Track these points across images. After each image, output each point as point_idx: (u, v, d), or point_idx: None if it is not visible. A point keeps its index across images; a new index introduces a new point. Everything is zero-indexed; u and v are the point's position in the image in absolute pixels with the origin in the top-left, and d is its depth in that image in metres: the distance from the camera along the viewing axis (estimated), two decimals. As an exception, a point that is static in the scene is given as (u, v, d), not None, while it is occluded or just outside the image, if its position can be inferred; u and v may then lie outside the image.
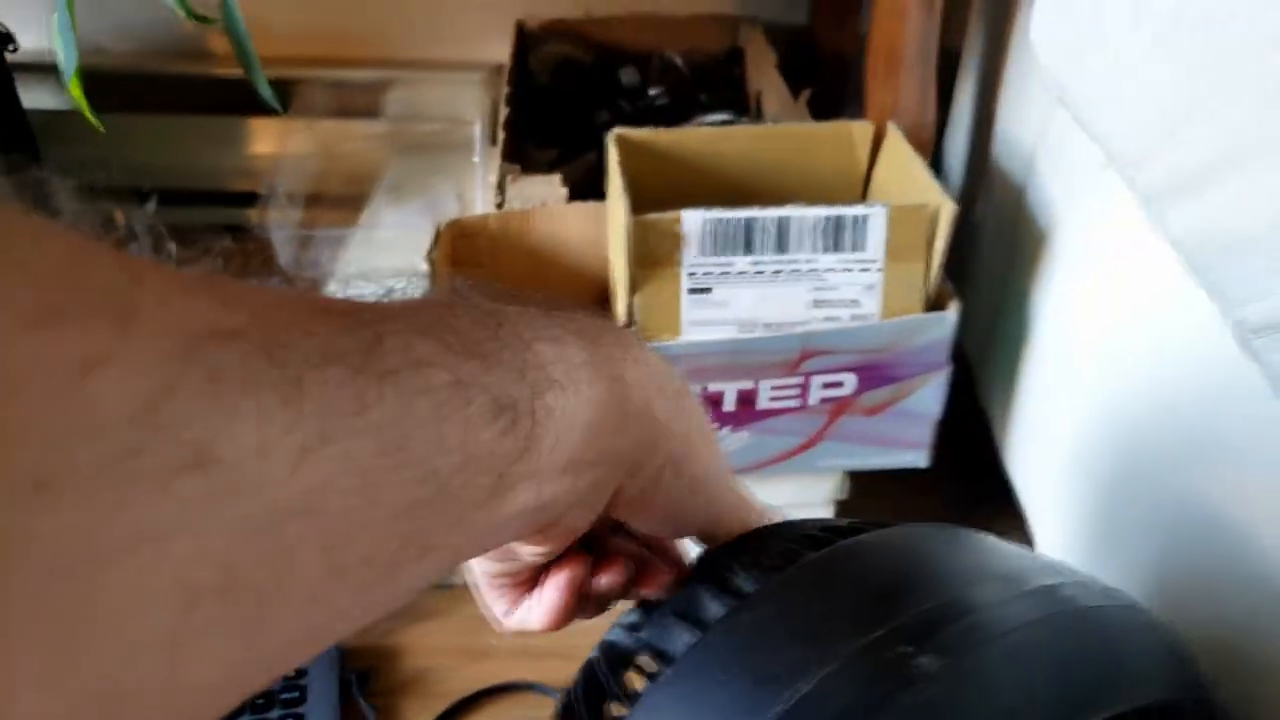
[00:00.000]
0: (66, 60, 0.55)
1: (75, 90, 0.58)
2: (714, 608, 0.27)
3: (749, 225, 0.54)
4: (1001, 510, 0.68)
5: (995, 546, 0.29)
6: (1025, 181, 0.62)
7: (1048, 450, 0.58)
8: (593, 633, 0.33)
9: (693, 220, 0.54)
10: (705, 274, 0.55)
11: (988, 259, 0.67)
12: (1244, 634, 0.37)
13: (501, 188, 0.69)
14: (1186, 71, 0.35)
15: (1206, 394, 0.42)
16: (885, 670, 0.22)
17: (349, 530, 0.17)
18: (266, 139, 1.02)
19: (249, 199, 1.02)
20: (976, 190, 0.71)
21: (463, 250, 0.66)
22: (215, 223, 1.04)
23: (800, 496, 0.64)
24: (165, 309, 0.15)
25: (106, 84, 1.08)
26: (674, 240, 0.54)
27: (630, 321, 0.56)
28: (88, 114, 0.61)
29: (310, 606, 0.17)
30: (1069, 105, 0.49)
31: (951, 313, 0.55)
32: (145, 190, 1.05)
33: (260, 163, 1.02)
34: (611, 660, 0.30)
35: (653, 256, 0.54)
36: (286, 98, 0.97)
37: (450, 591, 0.69)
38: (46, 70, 1.06)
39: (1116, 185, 0.47)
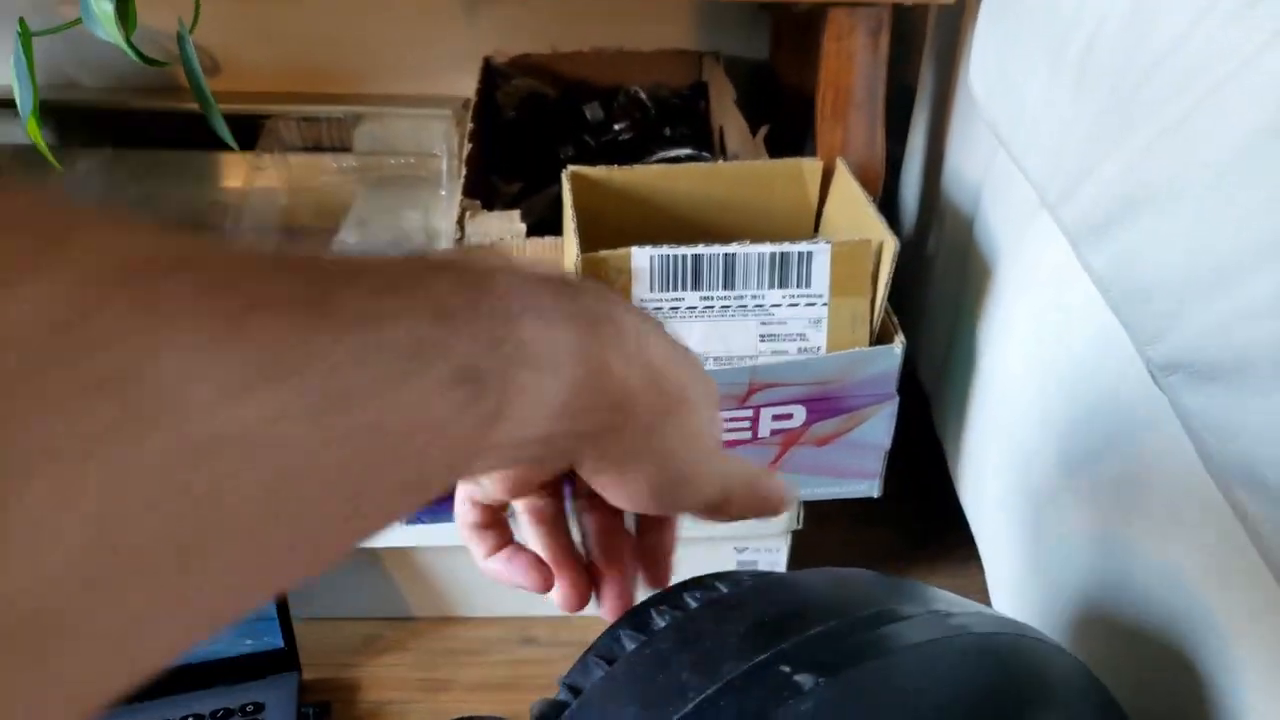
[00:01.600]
0: (23, 102, 0.55)
1: (33, 130, 0.59)
2: (628, 645, 0.28)
3: (697, 261, 0.55)
4: (956, 538, 0.69)
5: (898, 583, 0.30)
6: (973, 216, 0.63)
7: (995, 478, 0.59)
8: (553, 665, 0.34)
9: (642, 256, 0.55)
10: (655, 309, 0.56)
11: (940, 291, 0.69)
12: (1157, 661, 0.38)
13: (461, 223, 0.70)
14: (1096, 117, 0.36)
15: (1137, 424, 0.43)
16: (765, 689, 0.23)
17: (283, 475, 0.16)
18: (236, 173, 1.02)
19: (218, 233, 1.03)
20: (930, 224, 0.72)
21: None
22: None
23: (755, 528, 0.65)
24: (98, 234, 0.14)
25: (78, 119, 1.09)
26: (624, 276, 0.55)
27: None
28: (45, 153, 0.61)
29: (241, 551, 0.16)
30: (1003, 144, 0.50)
31: (897, 346, 0.56)
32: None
33: (230, 196, 1.03)
34: (542, 705, 0.31)
35: (603, 292, 0.55)
36: (255, 132, 0.98)
37: (410, 624, 0.69)
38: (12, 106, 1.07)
39: (1050, 222, 0.49)
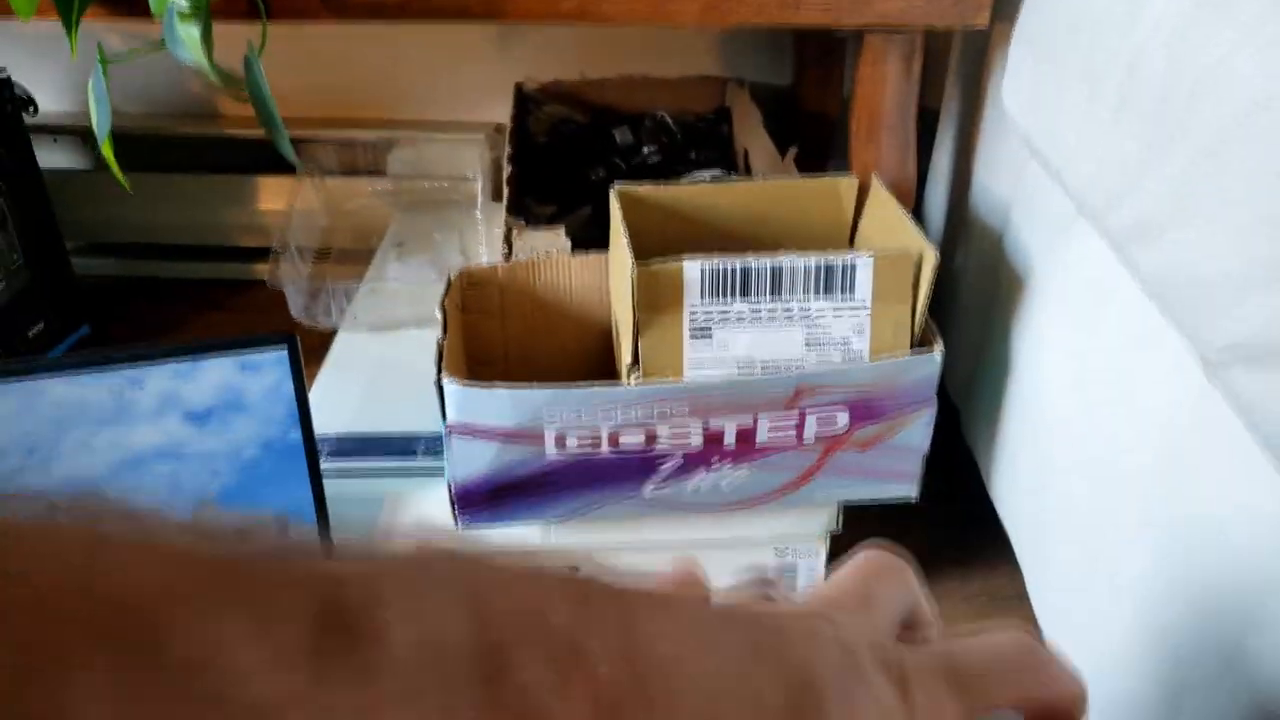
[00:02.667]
0: (100, 125, 0.58)
1: (107, 152, 0.62)
2: None
3: (745, 272, 0.58)
4: (987, 542, 0.72)
5: None
6: (1002, 230, 0.66)
7: (1030, 482, 0.62)
8: None
9: (693, 268, 0.58)
10: (705, 317, 0.59)
11: (968, 303, 0.71)
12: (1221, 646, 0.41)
13: (509, 240, 0.73)
14: (1140, 134, 0.39)
15: (1172, 424, 0.45)
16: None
17: None
18: (275, 197, 1.06)
19: (258, 254, 1.06)
20: (957, 239, 0.75)
21: (473, 298, 0.70)
22: (226, 277, 1.08)
23: (796, 528, 0.67)
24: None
25: (118, 144, 1.13)
26: (676, 287, 0.58)
27: (635, 362, 0.59)
28: (118, 175, 0.64)
29: None
30: (1040, 160, 0.53)
31: (937, 352, 0.59)
32: (157, 246, 1.09)
33: (268, 219, 1.06)
34: None
35: (656, 302, 0.58)
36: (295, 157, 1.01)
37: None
38: (62, 132, 1.10)
39: (1086, 233, 0.52)
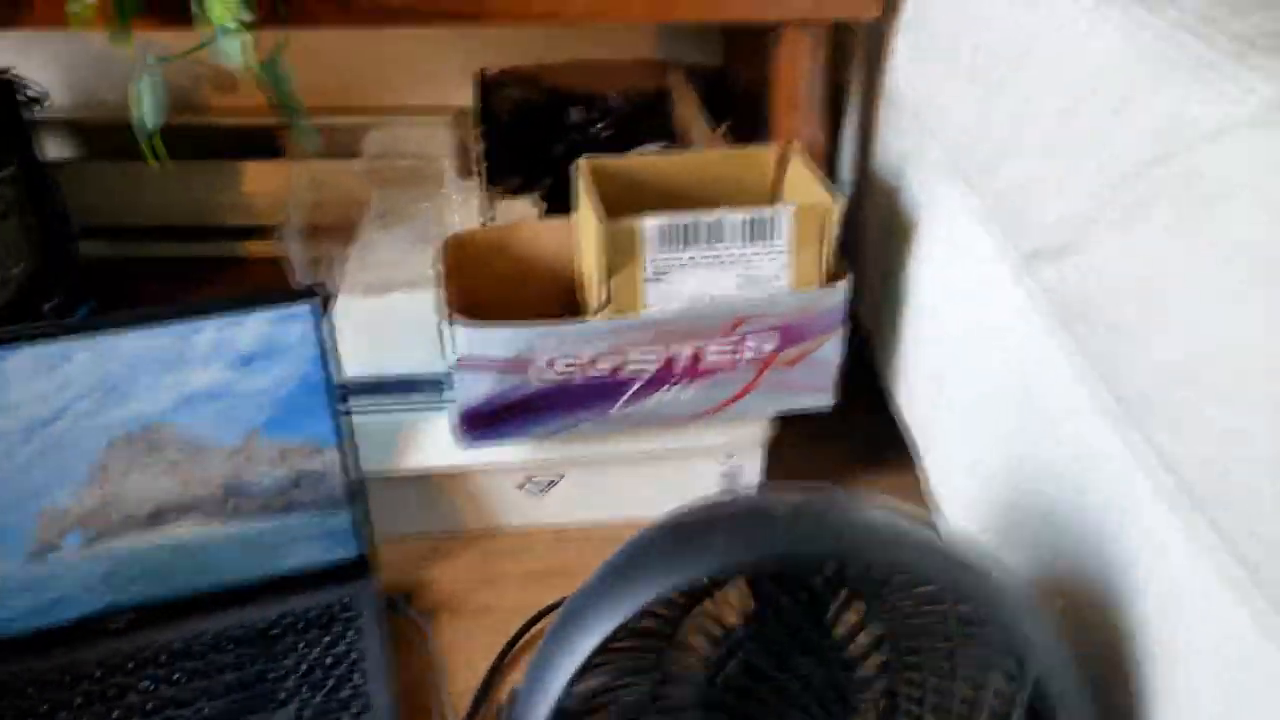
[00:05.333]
0: (152, 119, 0.69)
1: (157, 144, 0.73)
2: None
3: (691, 227, 0.72)
4: (895, 450, 0.87)
5: None
6: (897, 185, 0.81)
7: (923, 391, 0.77)
8: (584, 556, 0.48)
9: (650, 224, 0.71)
10: (662, 263, 0.73)
11: (873, 246, 0.87)
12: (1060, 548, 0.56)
13: (492, 205, 0.86)
14: (981, 94, 0.54)
15: (1013, 341, 0.60)
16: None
17: None
18: (260, 179, 1.17)
19: (247, 233, 1.17)
20: (863, 192, 0.90)
21: (458, 259, 0.83)
22: (219, 255, 1.18)
23: (740, 437, 0.82)
24: None
25: (109, 134, 1.22)
26: (637, 240, 0.72)
27: (606, 302, 0.73)
28: (166, 162, 0.75)
29: None
30: (921, 122, 0.68)
31: (843, 284, 0.74)
32: (154, 228, 1.19)
33: (256, 200, 1.17)
34: None
35: (621, 253, 0.72)
36: (270, 141, 1.13)
37: (461, 536, 0.85)
38: (64, 124, 1.20)
39: (956, 181, 0.67)
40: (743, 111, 1.16)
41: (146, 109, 0.69)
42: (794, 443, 0.86)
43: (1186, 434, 0.36)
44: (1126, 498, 0.45)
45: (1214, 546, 0.36)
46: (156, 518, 0.72)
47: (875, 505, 0.42)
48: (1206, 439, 0.35)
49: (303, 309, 0.72)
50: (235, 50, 0.63)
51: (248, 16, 0.62)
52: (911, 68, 0.72)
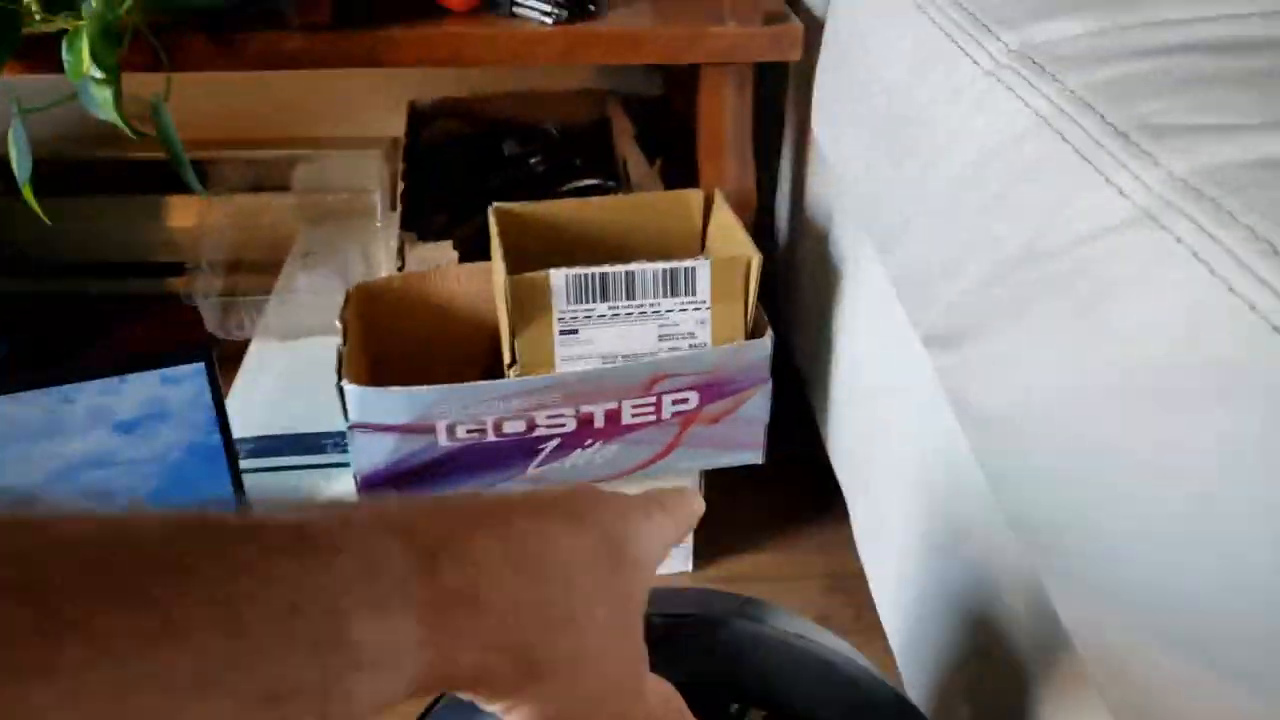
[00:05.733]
0: (21, 170, 0.65)
1: (28, 194, 0.68)
2: None
3: (604, 278, 0.68)
4: (831, 499, 0.83)
5: None
6: (827, 230, 0.77)
7: (850, 437, 0.74)
8: None
9: (559, 276, 0.67)
10: (572, 318, 0.69)
11: (808, 291, 0.83)
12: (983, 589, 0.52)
13: (401, 253, 0.82)
14: (884, 158, 0.50)
15: (930, 405, 0.57)
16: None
17: None
18: (184, 214, 1.12)
19: (174, 269, 1.12)
20: (797, 236, 0.86)
21: (370, 309, 0.78)
22: (143, 292, 1.14)
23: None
24: None
25: (34, 170, 1.17)
26: (545, 293, 0.67)
27: (514, 360, 0.69)
28: (39, 212, 0.71)
29: None
30: (833, 173, 0.64)
31: (767, 339, 0.70)
32: (77, 264, 1.14)
33: (179, 235, 1.12)
34: None
35: (529, 307, 0.68)
36: (204, 175, 1.08)
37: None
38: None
39: (873, 258, 0.63)
40: (685, 142, 1.13)
41: (15, 159, 0.65)
42: (729, 489, 0.82)
43: (1067, 548, 0.32)
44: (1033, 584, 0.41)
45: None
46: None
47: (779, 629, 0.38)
48: (1085, 555, 0.31)
49: (191, 369, 0.68)
50: (105, 99, 0.59)
51: (111, 63, 0.57)
52: (827, 120, 0.68)
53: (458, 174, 1.07)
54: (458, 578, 0.23)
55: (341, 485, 0.76)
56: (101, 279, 1.16)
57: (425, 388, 0.65)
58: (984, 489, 0.47)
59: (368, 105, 1.15)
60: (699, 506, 0.32)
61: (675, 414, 0.72)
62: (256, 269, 1.05)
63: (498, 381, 0.68)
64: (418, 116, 1.09)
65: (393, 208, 1.06)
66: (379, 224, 1.12)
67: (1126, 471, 0.28)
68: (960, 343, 0.41)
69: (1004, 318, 0.35)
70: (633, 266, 0.68)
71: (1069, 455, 0.31)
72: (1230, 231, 0.27)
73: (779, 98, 0.91)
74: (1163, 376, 0.27)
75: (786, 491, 0.89)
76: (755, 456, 0.75)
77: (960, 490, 0.53)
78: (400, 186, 0.92)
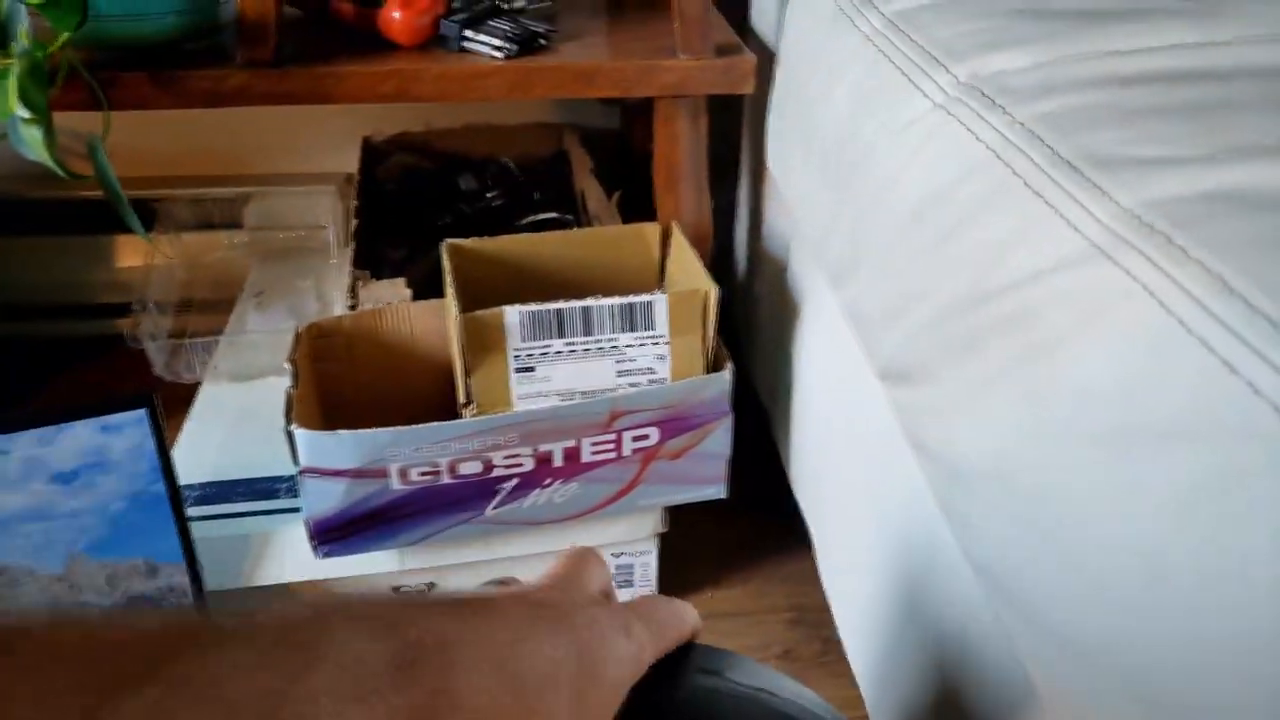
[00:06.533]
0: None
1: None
2: None
3: (560, 315, 0.67)
4: (797, 532, 0.82)
5: None
6: (784, 263, 0.77)
7: (812, 468, 0.73)
8: None
9: (513, 314, 0.66)
10: (528, 356, 0.67)
11: (767, 324, 0.82)
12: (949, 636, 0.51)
13: (354, 292, 0.80)
14: (831, 195, 0.50)
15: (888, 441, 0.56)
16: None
17: None
18: (134, 253, 1.09)
19: (121, 310, 1.10)
20: (754, 269, 0.86)
21: (322, 349, 0.76)
22: (89, 334, 1.11)
23: (629, 533, 0.76)
24: None
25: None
26: (499, 331, 0.66)
27: (469, 400, 0.67)
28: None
29: None
30: (786, 206, 0.63)
31: (727, 372, 0.69)
32: (20, 307, 1.11)
33: (126, 276, 1.09)
34: None
35: (483, 345, 0.66)
36: (151, 214, 1.05)
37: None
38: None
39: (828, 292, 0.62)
40: (642, 175, 1.12)
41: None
42: (691, 523, 0.81)
43: (1026, 592, 0.31)
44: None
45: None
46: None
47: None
48: (1042, 601, 0.31)
49: (132, 416, 0.66)
50: (34, 138, 0.57)
51: (40, 103, 0.56)
52: (779, 153, 0.68)
53: (413, 209, 1.06)
54: (438, 680, 0.22)
55: (295, 531, 0.74)
56: (46, 321, 1.13)
57: (377, 430, 0.63)
58: (946, 523, 0.46)
59: (320, 141, 1.14)
60: (692, 622, 0.31)
61: (636, 450, 0.70)
62: (207, 308, 1.03)
63: (453, 423, 0.66)
64: (372, 152, 1.08)
65: (346, 244, 1.04)
66: (333, 261, 1.10)
67: (1080, 519, 0.27)
68: (912, 381, 0.40)
69: (955, 358, 0.34)
70: (589, 302, 0.67)
71: (1024, 500, 0.30)
72: (1182, 268, 0.27)
73: (737, 129, 0.91)
74: (1116, 418, 0.26)
75: (750, 525, 0.88)
76: (718, 491, 0.74)
77: (923, 523, 0.52)
78: (354, 223, 0.90)
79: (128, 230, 1.10)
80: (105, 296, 1.12)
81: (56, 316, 1.13)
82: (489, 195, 1.07)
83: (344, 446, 0.63)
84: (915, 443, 0.40)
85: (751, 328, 0.86)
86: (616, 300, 0.67)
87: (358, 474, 0.65)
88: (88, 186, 1.14)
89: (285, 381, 0.69)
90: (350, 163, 1.07)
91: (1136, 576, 0.25)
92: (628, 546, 0.78)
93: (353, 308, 0.81)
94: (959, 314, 0.33)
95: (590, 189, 0.99)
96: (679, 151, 0.76)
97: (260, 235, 1.10)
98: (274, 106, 1.07)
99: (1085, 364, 0.27)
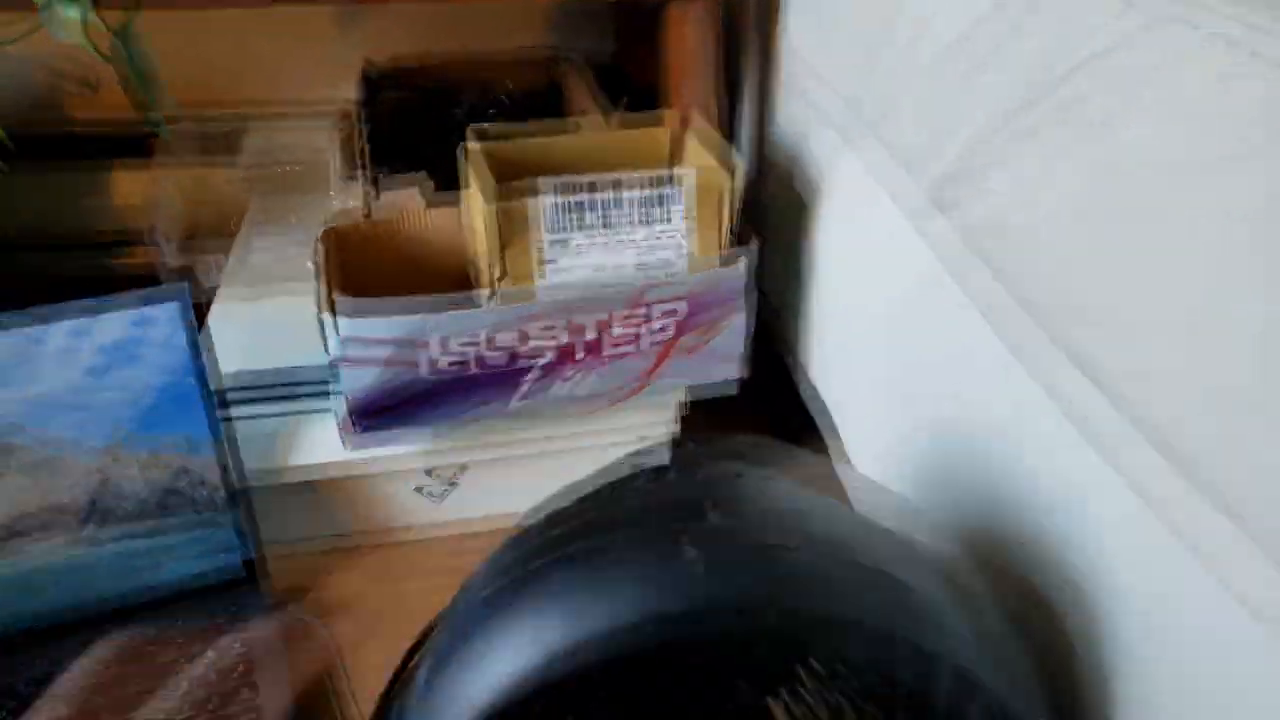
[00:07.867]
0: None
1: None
2: None
3: (589, 197, 0.68)
4: (806, 427, 0.85)
5: None
6: (795, 154, 0.79)
7: (834, 358, 0.75)
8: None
9: (545, 197, 0.68)
10: (556, 242, 0.69)
11: (776, 222, 0.84)
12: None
13: (368, 200, 0.81)
14: (865, 52, 0.52)
15: (927, 300, 0.58)
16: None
17: None
18: (133, 188, 1.09)
19: (117, 245, 1.09)
20: (764, 168, 0.88)
21: (339, 252, 0.77)
22: (86, 268, 1.10)
23: (649, 418, 0.78)
24: None
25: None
26: (529, 216, 0.68)
27: (502, 276, 0.68)
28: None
29: None
30: (818, 80, 0.65)
31: (742, 264, 0.71)
32: (14, 240, 1.10)
33: (125, 209, 1.09)
34: None
35: (513, 231, 0.68)
36: (150, 147, 1.05)
37: (356, 545, 0.79)
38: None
39: (852, 159, 0.65)
40: (639, 106, 1.14)
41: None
42: (705, 424, 0.83)
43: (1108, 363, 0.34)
44: (1056, 442, 0.42)
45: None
46: (12, 534, 0.64)
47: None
48: (1132, 364, 0.33)
49: (168, 305, 0.66)
50: (72, 20, 0.57)
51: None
52: (801, 27, 0.70)
53: (410, 136, 1.06)
54: None
55: (317, 427, 0.75)
56: (42, 253, 1.12)
57: (417, 297, 0.65)
58: (986, 383, 0.48)
59: (317, 70, 1.14)
60: None
61: (660, 331, 0.72)
62: (210, 239, 1.03)
63: (488, 299, 0.68)
64: (369, 79, 1.08)
65: (345, 175, 1.05)
66: (333, 194, 1.10)
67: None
68: (968, 198, 0.42)
69: (1011, 160, 0.36)
70: (616, 176, 0.68)
71: (1084, 253, 0.32)
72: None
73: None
74: (1179, 157, 0.29)
75: (757, 426, 0.90)
76: (734, 370, 0.76)
77: (957, 388, 0.55)
78: (363, 140, 0.91)
79: (124, 164, 1.10)
80: (99, 229, 1.11)
81: (50, 250, 1.12)
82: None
83: (385, 322, 0.64)
84: (976, 251, 0.42)
85: (760, 227, 0.88)
86: (642, 179, 0.69)
87: (394, 355, 0.66)
88: (79, 122, 1.13)
89: (294, 296, 0.70)
90: (346, 94, 1.08)
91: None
92: (648, 434, 0.80)
93: (367, 215, 0.82)
94: (1008, 119, 0.36)
95: (589, 108, 1.00)
96: (692, 51, 0.78)
97: (258, 169, 1.10)
98: (267, 39, 1.07)
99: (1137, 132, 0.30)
